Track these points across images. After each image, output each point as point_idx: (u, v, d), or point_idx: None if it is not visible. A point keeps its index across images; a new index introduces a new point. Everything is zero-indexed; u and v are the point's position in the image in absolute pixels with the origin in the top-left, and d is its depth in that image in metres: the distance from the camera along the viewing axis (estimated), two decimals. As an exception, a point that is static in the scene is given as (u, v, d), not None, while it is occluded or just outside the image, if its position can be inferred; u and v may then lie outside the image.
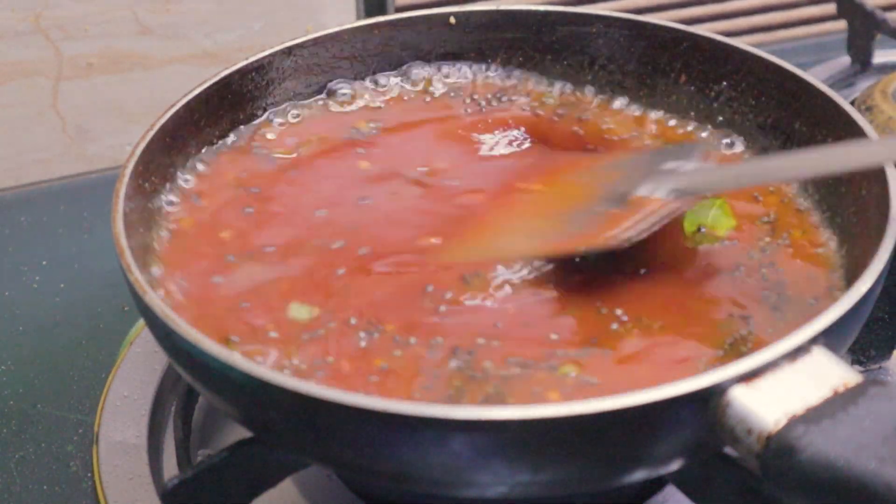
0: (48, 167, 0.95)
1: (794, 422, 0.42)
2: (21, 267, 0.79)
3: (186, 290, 0.55)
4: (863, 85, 0.93)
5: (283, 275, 0.57)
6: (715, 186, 0.58)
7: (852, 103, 0.84)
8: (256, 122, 0.67)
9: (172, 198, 0.61)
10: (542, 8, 0.71)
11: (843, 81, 0.96)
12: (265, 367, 0.49)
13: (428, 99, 0.71)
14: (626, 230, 0.55)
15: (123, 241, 0.52)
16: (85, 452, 0.64)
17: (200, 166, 0.63)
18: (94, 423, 0.63)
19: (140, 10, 0.92)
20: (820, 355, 0.45)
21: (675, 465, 0.46)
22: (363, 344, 0.52)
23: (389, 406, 0.42)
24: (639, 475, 0.47)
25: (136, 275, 0.50)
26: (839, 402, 0.42)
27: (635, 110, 0.70)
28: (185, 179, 0.62)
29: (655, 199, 0.56)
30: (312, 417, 0.44)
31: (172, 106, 0.61)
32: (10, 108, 0.92)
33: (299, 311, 0.54)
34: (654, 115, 0.69)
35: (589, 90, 0.71)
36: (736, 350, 0.52)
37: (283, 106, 0.68)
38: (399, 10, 1.00)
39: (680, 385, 0.43)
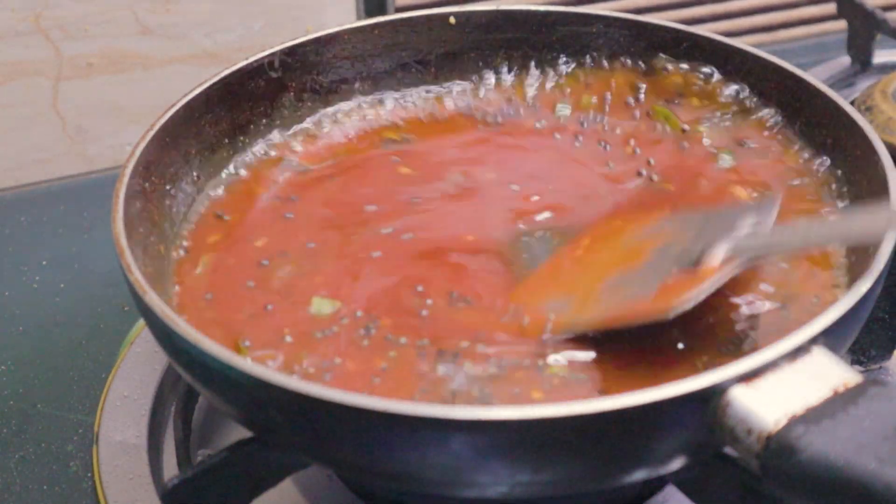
0: (48, 167, 0.95)
1: (794, 422, 0.42)
2: (21, 267, 0.79)
3: (211, 301, 0.56)
4: (863, 85, 0.92)
5: (316, 269, 0.57)
6: (793, 247, 0.55)
7: (852, 103, 0.84)
8: (291, 131, 0.68)
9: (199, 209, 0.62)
10: (542, 8, 0.71)
11: (843, 81, 0.96)
12: (265, 367, 0.49)
13: (451, 106, 0.71)
14: (697, 296, 0.50)
15: (123, 241, 0.52)
16: (85, 452, 0.64)
17: (228, 179, 0.64)
18: (94, 423, 0.63)
19: (140, 10, 0.92)
20: (820, 355, 0.45)
21: (675, 466, 0.46)
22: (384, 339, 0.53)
23: (389, 406, 0.42)
24: (639, 475, 0.47)
25: (137, 275, 0.50)
26: (839, 402, 0.42)
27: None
28: (215, 194, 0.63)
29: (728, 262, 0.51)
30: (313, 417, 0.44)
31: (172, 106, 0.61)
32: (10, 108, 0.92)
33: (322, 306, 0.55)
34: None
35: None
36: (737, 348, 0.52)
37: (300, 113, 0.68)
38: (399, 10, 1.00)
39: (680, 385, 0.43)
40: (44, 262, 0.80)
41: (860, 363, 0.66)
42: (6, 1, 0.88)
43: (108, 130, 0.96)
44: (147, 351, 0.67)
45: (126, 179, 0.55)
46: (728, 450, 0.45)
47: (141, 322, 0.69)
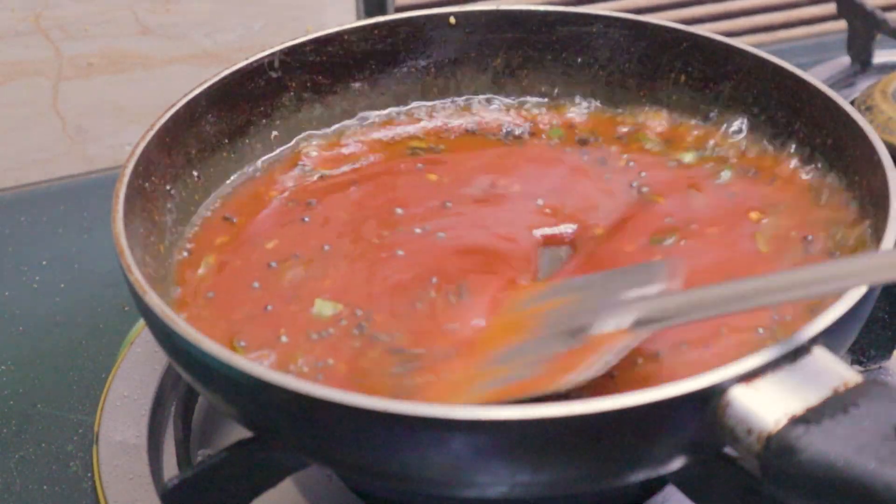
0: (48, 167, 0.95)
1: (794, 422, 0.42)
2: (21, 267, 0.79)
3: (213, 301, 0.56)
4: (863, 85, 0.92)
5: (326, 272, 0.57)
6: (685, 315, 0.47)
7: (852, 103, 0.84)
8: (297, 138, 0.68)
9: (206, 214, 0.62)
10: (542, 8, 0.71)
11: (843, 81, 0.96)
12: (265, 366, 0.49)
13: (477, 119, 0.71)
14: (585, 371, 0.46)
15: (123, 241, 0.52)
16: (85, 452, 0.64)
17: (237, 182, 0.65)
18: (94, 423, 0.63)
19: (140, 10, 0.92)
20: (820, 355, 0.45)
21: (675, 465, 0.46)
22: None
23: (389, 406, 0.42)
24: (639, 475, 0.47)
25: (137, 275, 0.50)
26: (839, 402, 0.42)
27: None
28: (221, 202, 0.63)
29: (619, 332, 0.47)
30: (312, 417, 0.44)
31: (172, 106, 0.61)
32: (10, 108, 0.92)
33: (323, 308, 0.55)
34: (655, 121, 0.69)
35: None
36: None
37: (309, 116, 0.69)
38: (399, 10, 1.00)
39: (680, 385, 0.43)
40: (44, 262, 0.80)
41: (860, 363, 0.66)
42: (6, 1, 0.88)
43: (108, 130, 0.96)
44: (147, 351, 0.67)
45: (126, 179, 0.55)
46: (728, 450, 0.45)
47: (141, 322, 0.69)
